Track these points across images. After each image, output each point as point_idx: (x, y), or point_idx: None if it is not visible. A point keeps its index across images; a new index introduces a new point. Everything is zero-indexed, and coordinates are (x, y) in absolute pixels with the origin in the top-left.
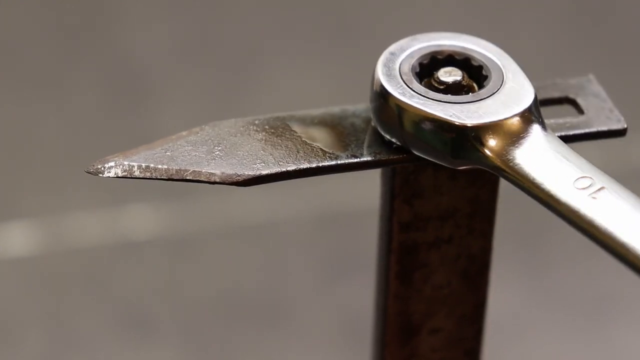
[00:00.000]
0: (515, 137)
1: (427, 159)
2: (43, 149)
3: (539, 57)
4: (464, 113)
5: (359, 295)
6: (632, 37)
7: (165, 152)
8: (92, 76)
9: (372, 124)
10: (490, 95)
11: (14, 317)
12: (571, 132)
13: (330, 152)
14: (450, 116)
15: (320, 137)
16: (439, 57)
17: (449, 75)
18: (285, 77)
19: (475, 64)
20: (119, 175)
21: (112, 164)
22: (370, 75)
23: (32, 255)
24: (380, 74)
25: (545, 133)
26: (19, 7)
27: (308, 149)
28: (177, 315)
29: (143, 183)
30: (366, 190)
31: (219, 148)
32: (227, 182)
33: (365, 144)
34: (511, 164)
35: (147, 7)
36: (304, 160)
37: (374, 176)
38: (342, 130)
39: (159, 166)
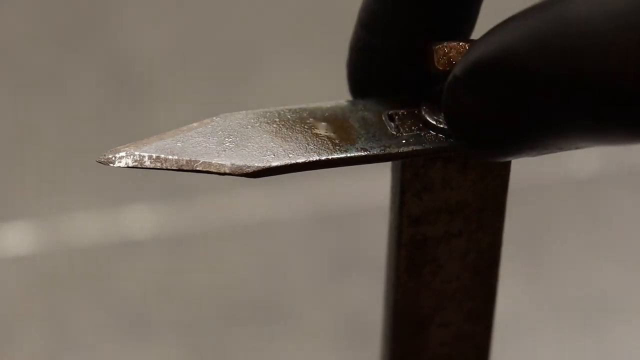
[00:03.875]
0: None
1: (437, 153)
2: (43, 149)
3: None
4: None
5: (359, 294)
6: None
7: (176, 143)
8: (91, 76)
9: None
10: None
11: (14, 316)
12: None
13: (340, 145)
14: None
15: (331, 130)
16: None
17: None
18: (284, 76)
19: None
20: (130, 165)
21: (123, 154)
22: None
23: (32, 255)
24: None
25: None
26: (19, 7)
27: (318, 141)
28: (177, 315)
29: (143, 182)
30: (366, 189)
31: (230, 139)
32: (236, 173)
33: (375, 138)
34: None
35: (146, 6)
36: (314, 152)
37: (374, 175)
38: (352, 124)
39: (170, 157)
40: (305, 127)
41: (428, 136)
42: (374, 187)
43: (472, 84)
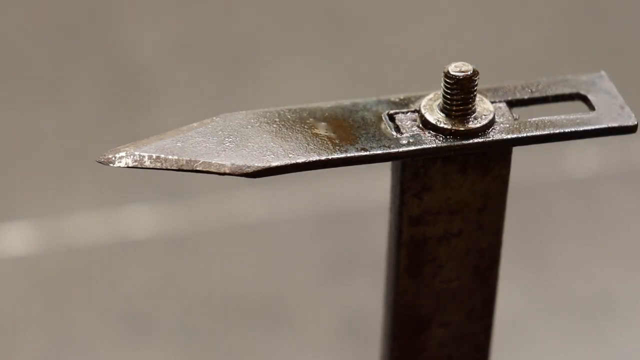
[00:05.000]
0: None
1: (437, 153)
2: (43, 149)
3: (541, 56)
4: None
5: (359, 294)
6: (633, 35)
7: (176, 143)
8: (91, 76)
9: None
10: None
11: (14, 316)
12: (582, 128)
13: (340, 145)
14: None
15: (331, 130)
16: None
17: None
18: (284, 76)
19: None
20: (130, 165)
21: (123, 154)
22: (370, 73)
23: (32, 255)
24: None
25: None
26: (19, 8)
27: (318, 141)
28: (177, 314)
29: (143, 182)
30: (366, 189)
31: (230, 139)
32: (236, 173)
33: (375, 138)
34: None
35: (147, 7)
36: (314, 152)
37: (374, 175)
38: (352, 124)
39: (170, 157)
40: (305, 127)
41: (428, 136)
42: (374, 187)
43: None
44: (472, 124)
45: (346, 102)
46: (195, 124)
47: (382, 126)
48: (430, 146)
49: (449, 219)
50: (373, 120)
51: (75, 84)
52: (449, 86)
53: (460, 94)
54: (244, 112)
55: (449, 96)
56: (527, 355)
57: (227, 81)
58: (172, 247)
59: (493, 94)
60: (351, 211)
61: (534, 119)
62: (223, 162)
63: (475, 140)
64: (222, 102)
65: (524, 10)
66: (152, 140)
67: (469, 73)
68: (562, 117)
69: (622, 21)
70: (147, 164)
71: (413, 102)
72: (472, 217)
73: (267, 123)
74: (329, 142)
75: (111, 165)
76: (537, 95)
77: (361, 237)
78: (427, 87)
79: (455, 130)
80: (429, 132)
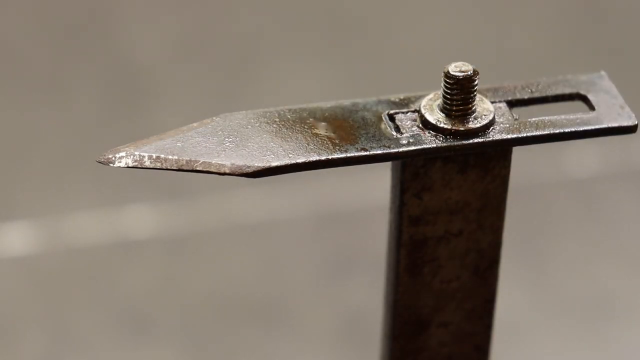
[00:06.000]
0: None
1: (437, 153)
2: (43, 149)
3: (541, 56)
4: None
5: (359, 294)
6: (633, 35)
7: (176, 143)
8: (91, 76)
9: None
10: None
11: (14, 316)
12: (582, 128)
13: (340, 145)
14: None
15: (331, 130)
16: None
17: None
18: (284, 76)
19: None
20: (130, 165)
21: (123, 154)
22: (370, 73)
23: (32, 255)
24: None
25: None
26: (19, 8)
27: (318, 141)
28: (177, 314)
29: (143, 182)
30: (366, 189)
31: (230, 139)
32: (236, 173)
33: (375, 138)
34: None
35: (147, 7)
36: (314, 152)
37: (374, 175)
38: (352, 124)
39: (170, 157)
40: (305, 127)
41: (428, 136)
42: (374, 187)
43: None
44: (472, 124)
45: (346, 102)
46: (195, 124)
47: (382, 126)
48: (430, 146)
49: (449, 219)
50: (373, 120)
51: (75, 84)
52: (449, 86)
53: (460, 94)
54: (244, 112)
55: (449, 96)
56: (527, 355)
57: (227, 81)
58: (172, 247)
59: (493, 94)
60: (351, 211)
61: (534, 119)
62: (223, 162)
63: (475, 140)
64: (222, 102)
65: (524, 10)
66: (152, 140)
67: (469, 73)
68: (562, 117)
69: (622, 21)
70: (147, 164)
71: (413, 102)
72: (472, 217)
73: (267, 123)
74: (329, 142)
75: (111, 165)
76: (537, 95)
77: (361, 237)
78: (427, 87)
79: (455, 130)
80: (429, 132)
